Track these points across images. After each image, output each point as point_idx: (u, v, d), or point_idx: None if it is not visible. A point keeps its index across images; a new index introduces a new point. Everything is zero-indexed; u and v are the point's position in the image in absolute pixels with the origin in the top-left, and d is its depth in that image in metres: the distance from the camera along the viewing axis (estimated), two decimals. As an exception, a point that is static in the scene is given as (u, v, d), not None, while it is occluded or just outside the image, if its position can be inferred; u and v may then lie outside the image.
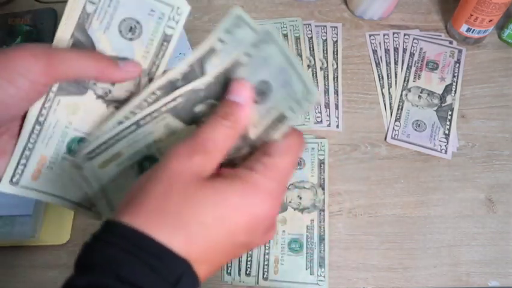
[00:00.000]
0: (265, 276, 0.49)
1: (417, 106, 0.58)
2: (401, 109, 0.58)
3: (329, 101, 0.58)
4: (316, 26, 0.64)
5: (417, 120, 0.57)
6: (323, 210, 0.51)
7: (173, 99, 0.28)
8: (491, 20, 0.58)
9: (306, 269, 0.49)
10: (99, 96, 0.31)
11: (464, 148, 0.56)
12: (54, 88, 0.30)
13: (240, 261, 0.50)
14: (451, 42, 0.62)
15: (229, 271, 0.49)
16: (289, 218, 0.51)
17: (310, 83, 0.26)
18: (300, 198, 0.52)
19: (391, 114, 0.57)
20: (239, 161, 0.27)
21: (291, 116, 0.26)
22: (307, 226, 0.51)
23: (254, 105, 0.27)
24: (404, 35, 0.63)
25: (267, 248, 0.50)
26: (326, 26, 0.64)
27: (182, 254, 0.22)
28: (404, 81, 0.59)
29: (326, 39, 0.63)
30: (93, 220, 0.51)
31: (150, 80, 0.32)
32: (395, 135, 0.56)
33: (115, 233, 0.23)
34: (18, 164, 0.30)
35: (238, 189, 0.24)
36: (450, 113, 0.57)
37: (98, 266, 0.22)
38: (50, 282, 0.48)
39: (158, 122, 0.28)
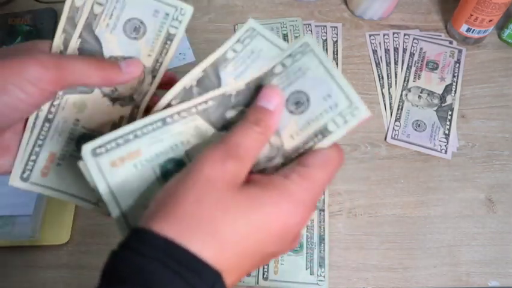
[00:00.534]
0: (265, 276, 0.49)
1: (417, 106, 0.58)
2: (401, 109, 0.58)
3: (329, 101, 0.58)
4: (316, 26, 0.64)
5: (417, 120, 0.57)
6: (323, 210, 0.51)
7: (205, 102, 0.27)
8: (491, 20, 0.58)
9: (306, 269, 0.49)
10: (105, 94, 0.32)
11: (464, 148, 0.56)
12: None
13: (240, 261, 0.49)
14: (451, 42, 0.62)
15: (229, 271, 0.49)
16: (289, 218, 0.51)
17: (355, 96, 0.25)
18: (300, 198, 0.52)
19: (391, 114, 0.57)
20: (271, 170, 0.27)
21: (334, 130, 0.25)
22: (307, 226, 0.51)
23: (290, 115, 0.26)
24: (404, 35, 0.63)
25: (267, 248, 0.50)
26: (326, 26, 0.64)
27: (214, 264, 0.22)
28: (404, 81, 0.59)
29: (326, 39, 0.63)
30: (93, 220, 0.51)
31: (153, 77, 0.32)
32: (395, 135, 0.56)
33: (145, 242, 0.22)
34: (28, 160, 0.31)
35: (272, 198, 0.23)
36: (450, 113, 0.57)
37: (128, 277, 0.21)
38: (50, 282, 0.48)
39: (187, 123, 0.27)
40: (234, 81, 0.28)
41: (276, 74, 0.27)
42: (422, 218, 0.52)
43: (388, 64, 0.61)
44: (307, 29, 0.63)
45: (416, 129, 0.56)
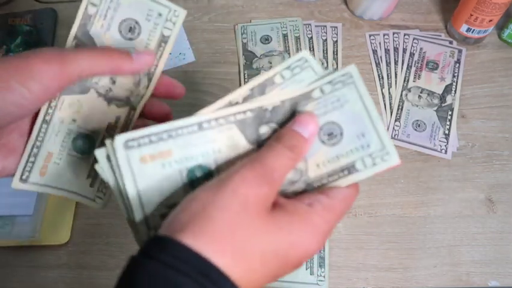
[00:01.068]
0: (265, 276, 0.49)
1: (417, 106, 0.58)
2: (401, 109, 0.58)
3: (329, 101, 0.58)
4: (316, 26, 0.64)
5: (417, 120, 0.57)
6: (323, 210, 0.51)
7: (244, 112, 0.27)
8: (491, 20, 0.58)
9: (306, 269, 0.49)
10: (100, 94, 0.32)
11: (464, 148, 0.56)
12: None
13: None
14: (451, 42, 0.62)
15: (229, 271, 0.49)
16: (289, 218, 0.51)
17: (388, 141, 0.25)
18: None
19: (391, 114, 0.57)
20: (290, 194, 0.27)
21: (362, 169, 0.26)
22: (307, 226, 0.51)
23: (321, 144, 0.26)
24: (404, 35, 0.63)
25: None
26: (326, 26, 0.64)
27: (240, 285, 0.22)
28: (404, 81, 0.59)
29: (326, 39, 0.63)
30: (93, 220, 0.51)
31: (149, 80, 0.33)
32: (395, 135, 0.56)
33: (177, 255, 0.21)
34: (27, 162, 0.31)
35: (298, 228, 0.24)
36: (450, 113, 0.57)
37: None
38: (50, 282, 0.48)
39: (222, 131, 0.26)
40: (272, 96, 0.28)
41: (314, 98, 0.27)
42: (422, 218, 0.52)
43: (388, 64, 0.61)
44: (308, 29, 0.63)
45: (416, 129, 0.56)
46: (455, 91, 0.59)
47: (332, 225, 0.25)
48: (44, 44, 0.62)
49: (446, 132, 0.56)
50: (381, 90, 0.59)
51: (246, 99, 0.27)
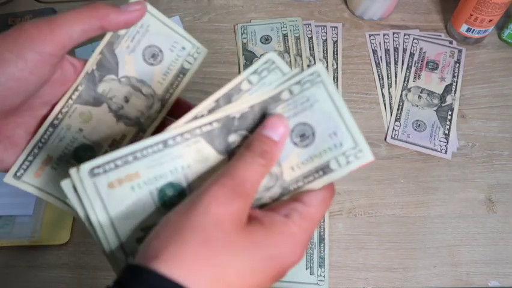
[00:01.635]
0: (265, 276, 0.49)
1: (417, 106, 0.58)
2: (401, 109, 0.58)
3: (329, 101, 0.58)
4: (316, 26, 0.64)
5: (417, 120, 0.57)
6: (323, 210, 0.51)
7: (210, 123, 0.26)
8: (491, 20, 0.58)
9: (306, 269, 0.49)
10: (111, 110, 0.33)
11: (464, 148, 0.56)
12: (74, 96, 0.32)
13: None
14: (451, 42, 0.62)
15: (229, 271, 0.49)
16: (289, 218, 0.51)
17: (361, 138, 0.25)
18: (300, 198, 0.52)
19: (391, 114, 0.57)
20: (267, 200, 0.26)
21: (336, 169, 0.25)
22: (307, 226, 0.51)
23: (294, 147, 0.26)
24: (404, 35, 0.63)
25: (267, 248, 0.50)
26: (325, 26, 0.64)
27: None
28: (404, 81, 0.59)
29: (326, 39, 0.63)
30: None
31: (163, 105, 0.34)
32: (395, 135, 0.56)
33: (148, 283, 0.20)
34: (25, 159, 0.31)
35: (275, 242, 0.24)
36: (450, 113, 0.57)
37: None
38: (50, 282, 0.48)
39: (189, 145, 0.26)
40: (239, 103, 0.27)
41: (283, 100, 0.26)
42: (422, 218, 0.52)
43: (388, 64, 0.61)
44: (308, 29, 0.63)
45: (416, 129, 0.56)
46: (455, 91, 0.59)
47: (310, 233, 0.25)
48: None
49: (446, 132, 0.56)
50: (381, 90, 0.59)
51: (211, 112, 0.27)
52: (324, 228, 0.51)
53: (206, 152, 0.26)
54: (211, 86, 0.60)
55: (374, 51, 0.62)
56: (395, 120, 0.57)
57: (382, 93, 0.59)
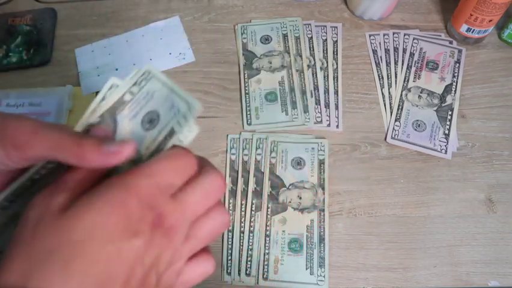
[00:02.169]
0: (265, 276, 0.49)
1: (417, 106, 0.58)
2: (401, 109, 0.58)
3: (328, 101, 0.58)
4: (316, 26, 0.64)
5: (417, 120, 0.57)
6: (323, 210, 0.51)
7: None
8: (491, 20, 0.58)
9: (306, 269, 0.49)
10: None
11: (464, 148, 0.56)
12: None
13: (240, 261, 0.50)
14: (451, 42, 0.62)
15: (229, 271, 0.49)
16: (289, 218, 0.51)
17: (191, 98, 0.28)
18: (300, 198, 0.52)
19: (391, 114, 0.57)
20: None
21: (178, 129, 0.28)
22: (307, 226, 0.51)
23: (146, 132, 0.29)
24: (404, 35, 0.63)
25: (266, 248, 0.50)
26: (325, 26, 0.64)
27: None
28: (404, 81, 0.59)
29: (326, 39, 0.63)
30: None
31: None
32: (395, 135, 0.56)
33: None
34: None
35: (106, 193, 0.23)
36: (450, 113, 0.57)
37: None
38: (50, 282, 0.48)
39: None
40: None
41: (127, 101, 0.29)
42: (422, 218, 0.52)
43: (388, 64, 0.61)
44: (308, 29, 0.63)
45: (416, 129, 0.56)
46: (455, 91, 0.59)
47: (152, 178, 0.24)
48: (44, 44, 0.62)
49: (446, 132, 0.56)
50: (381, 90, 0.59)
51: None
52: (324, 228, 0.51)
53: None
54: (211, 86, 0.60)
55: (374, 51, 0.62)
56: (395, 120, 0.57)
57: (382, 93, 0.59)
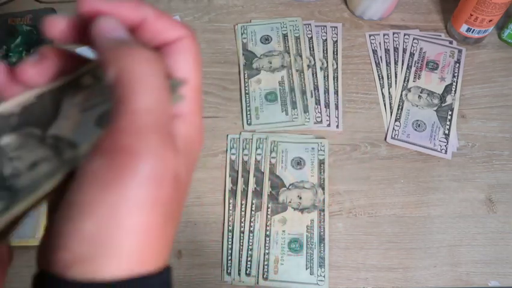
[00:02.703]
0: (265, 276, 0.49)
1: (417, 106, 0.58)
2: (401, 109, 0.58)
3: (329, 101, 0.58)
4: (316, 26, 0.64)
5: (417, 120, 0.57)
6: (323, 210, 0.51)
7: None
8: (491, 20, 0.58)
9: (306, 269, 0.49)
10: None
11: (464, 148, 0.56)
12: None
13: (240, 261, 0.50)
14: (451, 42, 0.62)
15: (229, 271, 0.49)
16: (289, 218, 0.51)
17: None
18: (300, 198, 0.52)
19: (391, 114, 0.57)
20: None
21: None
22: (307, 226, 0.51)
23: (99, 130, 0.21)
24: (404, 35, 0.63)
25: (267, 248, 0.50)
26: (325, 26, 0.64)
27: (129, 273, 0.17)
28: (404, 81, 0.59)
29: (326, 39, 0.63)
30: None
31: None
32: (395, 135, 0.56)
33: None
34: None
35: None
36: (450, 113, 0.57)
37: None
38: (50, 282, 0.48)
39: None
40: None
41: (85, 86, 0.21)
42: (422, 218, 0.52)
43: (388, 64, 0.61)
44: (308, 29, 0.63)
45: (416, 129, 0.56)
46: (455, 91, 0.59)
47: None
48: (44, 44, 0.62)
49: (446, 132, 0.56)
50: (381, 90, 0.59)
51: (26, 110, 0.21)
52: (324, 228, 0.51)
53: None
54: (211, 86, 0.60)
55: (374, 51, 0.62)
56: (395, 120, 0.57)
57: (382, 93, 0.59)
